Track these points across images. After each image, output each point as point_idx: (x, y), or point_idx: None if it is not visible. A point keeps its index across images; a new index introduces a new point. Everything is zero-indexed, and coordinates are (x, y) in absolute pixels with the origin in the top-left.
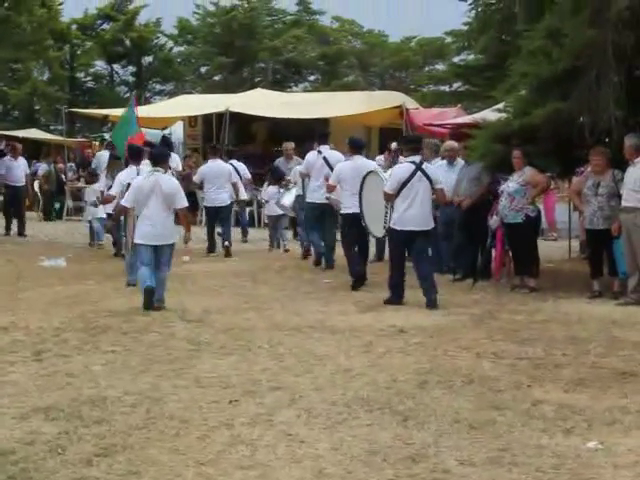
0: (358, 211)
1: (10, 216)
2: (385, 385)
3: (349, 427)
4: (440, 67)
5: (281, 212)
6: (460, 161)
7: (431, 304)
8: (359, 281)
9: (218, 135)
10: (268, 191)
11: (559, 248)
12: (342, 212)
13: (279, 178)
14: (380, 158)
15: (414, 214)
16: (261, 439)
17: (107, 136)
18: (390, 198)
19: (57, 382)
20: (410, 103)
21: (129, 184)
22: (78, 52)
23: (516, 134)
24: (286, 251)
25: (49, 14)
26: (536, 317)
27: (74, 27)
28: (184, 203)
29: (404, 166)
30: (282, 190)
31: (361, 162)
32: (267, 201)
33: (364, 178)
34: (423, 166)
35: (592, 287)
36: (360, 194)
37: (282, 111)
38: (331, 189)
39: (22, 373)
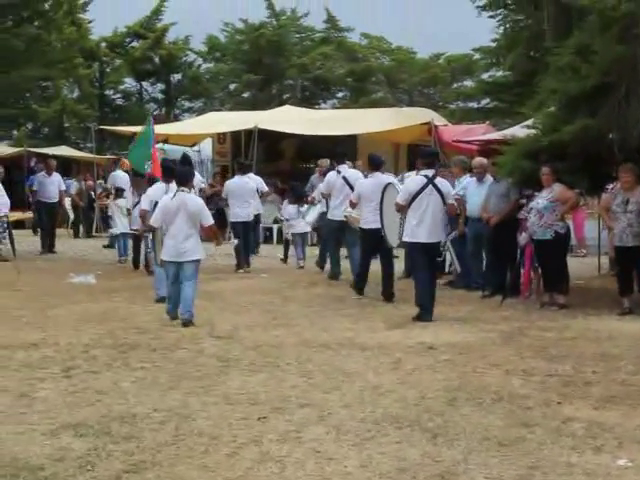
0: (378, 226)
1: (47, 234)
2: (414, 402)
3: (378, 444)
4: (468, 84)
5: (307, 229)
6: (489, 177)
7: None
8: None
9: (247, 152)
10: (288, 210)
11: (588, 265)
12: (363, 227)
13: (299, 197)
14: (410, 174)
15: (425, 227)
16: (290, 456)
17: None
18: (401, 209)
19: (86, 398)
20: (438, 120)
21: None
22: (107, 70)
23: (545, 150)
24: (300, 267)
25: (79, 32)
26: (566, 334)
27: (103, 45)
28: (210, 220)
29: (416, 179)
30: (302, 209)
31: (380, 179)
32: (287, 219)
33: (383, 191)
34: (435, 180)
35: (622, 304)
36: (381, 206)
37: (310, 128)
38: (353, 205)
39: (52, 389)
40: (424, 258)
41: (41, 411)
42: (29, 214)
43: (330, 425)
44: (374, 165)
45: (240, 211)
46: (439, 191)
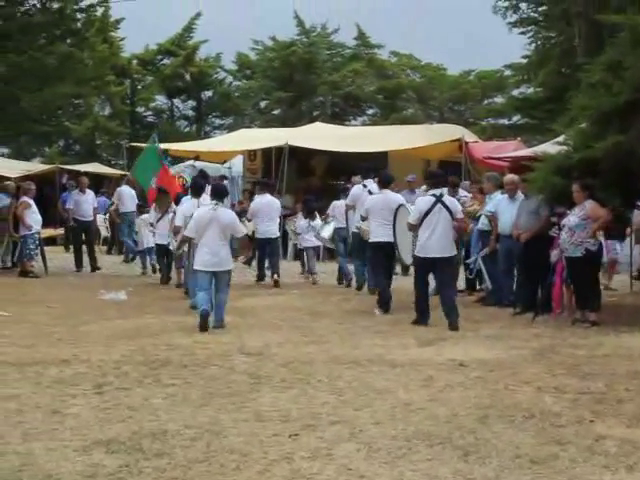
0: (385, 240)
1: (81, 252)
2: (445, 419)
3: (409, 462)
4: (499, 100)
5: (318, 243)
6: (521, 194)
7: (452, 326)
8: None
9: (277, 169)
10: (300, 224)
11: (620, 282)
12: (371, 240)
13: (311, 211)
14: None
15: (435, 242)
16: (321, 473)
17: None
18: (413, 228)
19: (118, 415)
20: (469, 136)
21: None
22: (139, 87)
23: (577, 167)
24: (314, 283)
25: (110, 50)
26: (598, 351)
27: (135, 62)
28: (243, 231)
29: (425, 199)
30: (313, 224)
31: (389, 195)
32: (299, 233)
33: (395, 212)
34: (443, 198)
35: None
36: (394, 227)
37: (341, 145)
38: (363, 219)
39: (83, 406)
40: (426, 271)
41: (73, 427)
42: (61, 231)
43: (361, 442)
44: (384, 182)
45: (266, 228)
46: (447, 208)
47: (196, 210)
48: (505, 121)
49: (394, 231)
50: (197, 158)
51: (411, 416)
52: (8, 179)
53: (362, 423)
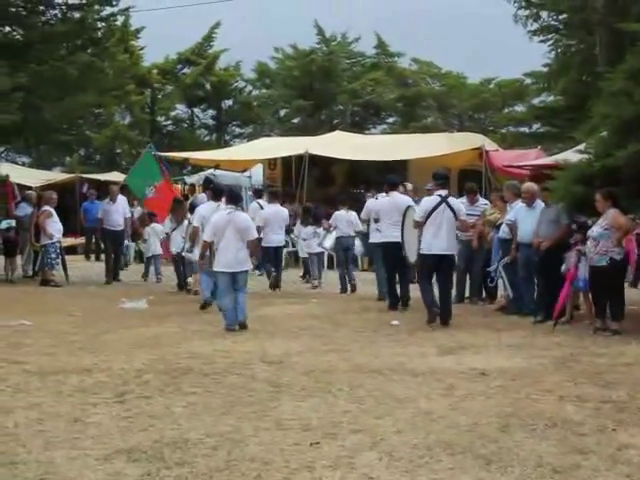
0: (394, 240)
1: (111, 262)
2: (467, 428)
3: (431, 470)
4: (520, 108)
5: (320, 250)
6: (540, 203)
7: (444, 321)
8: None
9: (297, 177)
10: (306, 230)
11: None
12: (382, 240)
13: (316, 218)
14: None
15: (440, 240)
16: None
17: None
18: (419, 225)
19: (139, 424)
20: (490, 145)
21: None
22: (159, 96)
23: (598, 175)
24: (315, 287)
25: (131, 59)
26: (619, 360)
27: (155, 72)
28: (255, 235)
29: (431, 198)
30: (318, 231)
31: (396, 198)
32: (304, 239)
33: (404, 213)
34: (448, 199)
35: None
36: (402, 227)
37: (361, 153)
38: (376, 221)
39: (105, 415)
40: (432, 269)
41: (94, 436)
42: (81, 240)
43: (382, 451)
44: (390, 185)
45: (274, 237)
46: (451, 208)
47: (214, 214)
48: (525, 129)
49: (402, 231)
50: (217, 167)
51: (432, 425)
52: (29, 188)
53: (383, 432)
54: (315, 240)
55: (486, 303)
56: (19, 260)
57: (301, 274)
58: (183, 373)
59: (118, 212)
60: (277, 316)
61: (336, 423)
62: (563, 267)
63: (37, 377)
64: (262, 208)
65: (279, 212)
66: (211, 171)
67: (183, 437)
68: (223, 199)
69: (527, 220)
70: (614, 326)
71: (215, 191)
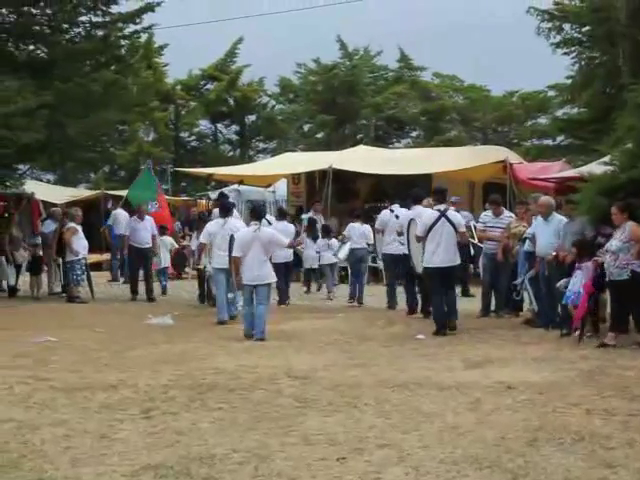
0: (397, 252)
1: (136, 279)
2: (494, 442)
3: None
4: (543, 121)
5: (334, 260)
6: (556, 216)
7: (451, 326)
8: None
9: (321, 192)
10: (319, 243)
11: None
12: (385, 252)
13: (327, 231)
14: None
15: (441, 253)
16: None
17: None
18: (420, 239)
19: (166, 440)
20: (513, 157)
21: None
22: (182, 112)
23: (623, 187)
24: (330, 299)
25: (155, 76)
26: None
27: (179, 88)
28: (284, 242)
29: (431, 213)
30: (330, 242)
31: (420, 212)
32: (318, 252)
33: (408, 225)
34: (447, 213)
35: None
36: (407, 239)
37: (385, 167)
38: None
39: (131, 431)
40: (439, 281)
41: (121, 452)
42: (106, 256)
43: (409, 466)
44: (415, 200)
45: (282, 253)
46: (451, 222)
47: (238, 232)
48: (549, 142)
49: (408, 243)
50: (241, 182)
51: (459, 439)
52: (54, 205)
53: (410, 446)
54: (329, 252)
55: (512, 316)
56: (45, 277)
57: (305, 288)
58: (209, 389)
59: (146, 229)
60: (303, 331)
61: (362, 438)
62: (559, 283)
63: (63, 394)
64: (270, 224)
65: (286, 229)
66: (235, 186)
67: (210, 453)
68: (235, 215)
69: (543, 233)
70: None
71: (223, 207)
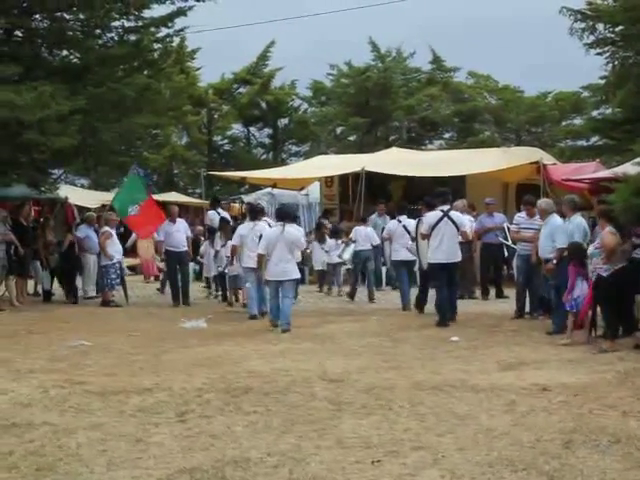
0: (405, 258)
1: (177, 285)
2: (529, 445)
3: None
4: (577, 122)
5: (339, 260)
6: (552, 217)
7: (452, 319)
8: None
9: (354, 195)
10: (328, 243)
11: None
12: (395, 259)
13: (337, 233)
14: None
15: (443, 250)
16: None
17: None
18: (424, 237)
19: (201, 443)
20: (547, 158)
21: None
22: (215, 116)
23: None
24: (340, 295)
25: (187, 80)
26: None
27: (211, 92)
28: (303, 246)
29: (434, 213)
30: (339, 243)
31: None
32: (327, 251)
33: (417, 225)
34: (450, 213)
35: None
36: (416, 239)
37: (418, 169)
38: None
39: (166, 434)
40: (444, 276)
41: (156, 456)
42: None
43: (445, 468)
44: (428, 205)
45: None
46: (453, 222)
47: (264, 230)
48: (583, 142)
49: (416, 242)
50: (274, 186)
51: (494, 441)
52: (88, 209)
53: (445, 449)
54: (336, 252)
55: (546, 318)
56: (79, 281)
57: (318, 288)
58: (243, 392)
59: (180, 232)
60: (337, 334)
61: (397, 441)
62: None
63: (99, 397)
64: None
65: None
66: (268, 190)
67: (244, 456)
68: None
69: (542, 236)
70: None
71: (251, 211)
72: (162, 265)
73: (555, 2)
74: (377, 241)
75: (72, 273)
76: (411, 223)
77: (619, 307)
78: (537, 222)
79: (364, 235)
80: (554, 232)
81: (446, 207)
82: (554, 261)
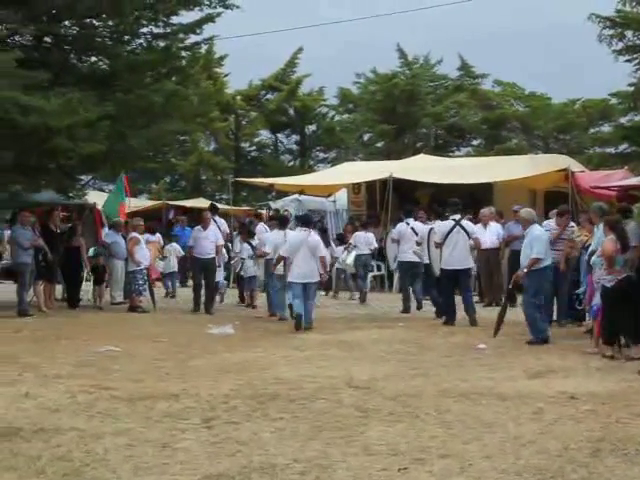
0: (412, 260)
1: (199, 292)
2: (556, 453)
3: None
4: (605, 129)
5: (338, 266)
6: (533, 228)
7: (472, 322)
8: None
9: (382, 201)
10: (337, 249)
11: None
12: (403, 260)
13: (342, 239)
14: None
15: (456, 257)
16: None
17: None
18: (438, 246)
19: (227, 449)
20: (575, 166)
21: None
22: (243, 122)
23: None
24: (353, 299)
25: (215, 86)
26: None
27: (239, 98)
28: (323, 253)
29: (447, 222)
30: (343, 249)
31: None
32: (336, 257)
33: (428, 234)
34: (462, 222)
35: None
36: (427, 246)
37: (445, 176)
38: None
39: (193, 440)
40: (453, 281)
41: (183, 462)
42: None
43: (472, 476)
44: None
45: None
46: (465, 230)
47: (288, 235)
48: (612, 150)
49: (428, 249)
50: (302, 192)
51: (521, 450)
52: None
53: (472, 457)
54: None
55: (574, 326)
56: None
57: (323, 292)
58: (270, 398)
59: (208, 239)
60: (363, 341)
61: (424, 448)
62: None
63: (126, 403)
64: (266, 230)
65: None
66: (296, 196)
67: (271, 462)
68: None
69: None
70: None
71: (280, 220)
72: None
73: (583, 10)
74: (376, 246)
75: (75, 278)
76: (418, 226)
77: (628, 315)
78: (566, 231)
79: (364, 240)
80: (533, 242)
81: (458, 216)
82: (524, 270)
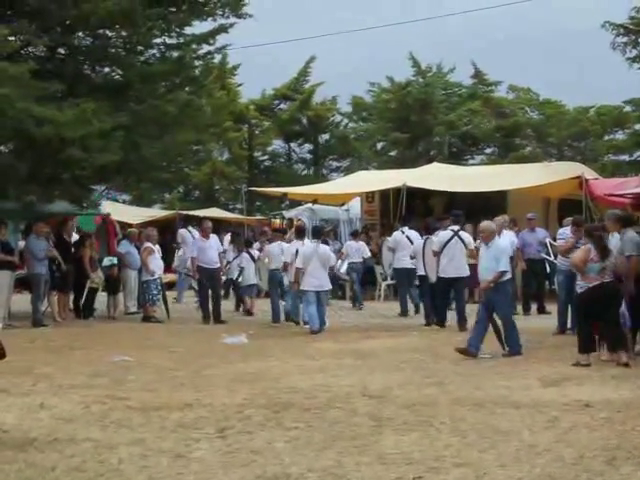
0: (408, 266)
1: (207, 302)
2: (572, 461)
3: None
4: (620, 136)
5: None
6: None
7: (461, 328)
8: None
9: (395, 210)
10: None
11: None
12: (398, 267)
13: (339, 251)
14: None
15: (453, 265)
16: None
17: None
18: (436, 254)
19: (241, 459)
20: (589, 173)
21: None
22: (256, 132)
23: None
24: (360, 309)
25: (228, 96)
26: None
27: (252, 108)
28: (333, 262)
29: (446, 232)
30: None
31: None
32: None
33: (424, 243)
34: (459, 233)
35: None
36: (423, 254)
37: (459, 185)
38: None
39: (207, 450)
40: (448, 288)
41: (197, 472)
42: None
43: None
44: (427, 230)
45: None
46: (462, 240)
47: (301, 247)
48: (626, 157)
49: (423, 257)
50: (315, 201)
51: (537, 458)
52: (130, 226)
53: (487, 465)
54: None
55: None
56: (121, 297)
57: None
58: (284, 408)
59: (212, 248)
60: (377, 349)
61: (439, 457)
62: None
63: (140, 413)
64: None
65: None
66: (309, 205)
67: (285, 472)
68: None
69: (483, 258)
70: None
71: (299, 232)
72: None
73: (595, 18)
74: (368, 254)
75: (80, 289)
76: (413, 234)
77: (596, 323)
78: (581, 241)
79: (355, 249)
80: (499, 255)
81: (456, 227)
82: (490, 284)
